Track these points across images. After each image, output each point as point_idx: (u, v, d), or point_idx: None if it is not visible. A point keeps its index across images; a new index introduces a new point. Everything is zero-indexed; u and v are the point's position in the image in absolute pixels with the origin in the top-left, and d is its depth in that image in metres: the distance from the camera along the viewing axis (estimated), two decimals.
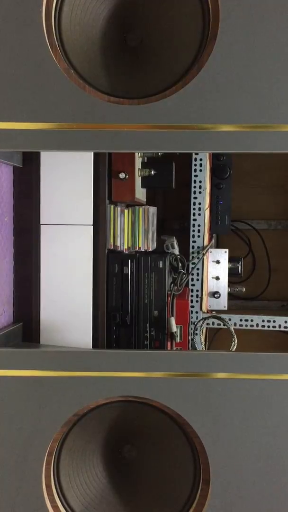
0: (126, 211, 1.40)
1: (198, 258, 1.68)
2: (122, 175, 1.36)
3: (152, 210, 1.44)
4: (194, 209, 1.68)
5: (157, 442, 1.11)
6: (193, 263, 1.68)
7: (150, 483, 1.11)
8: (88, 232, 1.35)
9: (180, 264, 1.50)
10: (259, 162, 2.11)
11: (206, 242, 1.70)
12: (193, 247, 1.68)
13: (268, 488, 1.05)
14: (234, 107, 1.01)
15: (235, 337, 1.52)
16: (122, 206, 1.41)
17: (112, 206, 1.38)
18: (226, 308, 1.74)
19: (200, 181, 1.67)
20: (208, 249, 1.70)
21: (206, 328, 1.79)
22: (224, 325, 1.64)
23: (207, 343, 1.93)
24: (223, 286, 1.73)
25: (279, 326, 1.68)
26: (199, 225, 1.68)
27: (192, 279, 1.68)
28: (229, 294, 1.77)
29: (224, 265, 1.74)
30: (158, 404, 1.06)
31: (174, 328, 1.39)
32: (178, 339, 1.41)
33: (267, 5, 1.00)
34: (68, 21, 1.03)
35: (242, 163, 2.06)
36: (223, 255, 1.74)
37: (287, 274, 2.14)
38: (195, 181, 1.67)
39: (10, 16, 1.01)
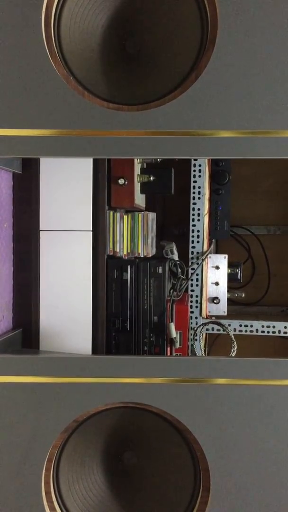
0: (125, 216, 1.40)
1: (197, 263, 1.68)
2: (121, 181, 1.37)
3: (152, 215, 1.44)
4: (193, 214, 1.68)
5: (157, 449, 1.10)
6: (193, 269, 1.68)
7: (150, 489, 1.10)
8: (88, 238, 1.36)
9: (179, 270, 1.50)
10: (258, 167, 2.12)
11: (205, 248, 1.70)
12: (192, 252, 1.68)
13: (268, 496, 1.04)
14: (233, 113, 1.01)
15: (235, 342, 1.52)
16: (121, 212, 1.41)
17: (111, 212, 1.38)
18: (225, 314, 1.73)
19: (199, 187, 1.68)
20: (207, 254, 1.70)
21: (206, 333, 1.79)
22: (223, 330, 1.63)
23: (206, 348, 1.93)
24: (222, 291, 1.73)
25: (279, 331, 1.68)
26: (198, 231, 1.68)
27: (192, 285, 1.68)
28: (229, 299, 1.76)
29: (224, 270, 1.73)
30: (158, 410, 1.06)
31: (174, 333, 1.39)
32: (177, 345, 1.41)
33: (265, 10, 1.00)
34: (67, 29, 1.04)
35: (241, 169, 2.07)
36: (222, 260, 1.74)
37: (287, 280, 2.14)
38: (194, 187, 1.68)
39: (9, 23, 1.02)
